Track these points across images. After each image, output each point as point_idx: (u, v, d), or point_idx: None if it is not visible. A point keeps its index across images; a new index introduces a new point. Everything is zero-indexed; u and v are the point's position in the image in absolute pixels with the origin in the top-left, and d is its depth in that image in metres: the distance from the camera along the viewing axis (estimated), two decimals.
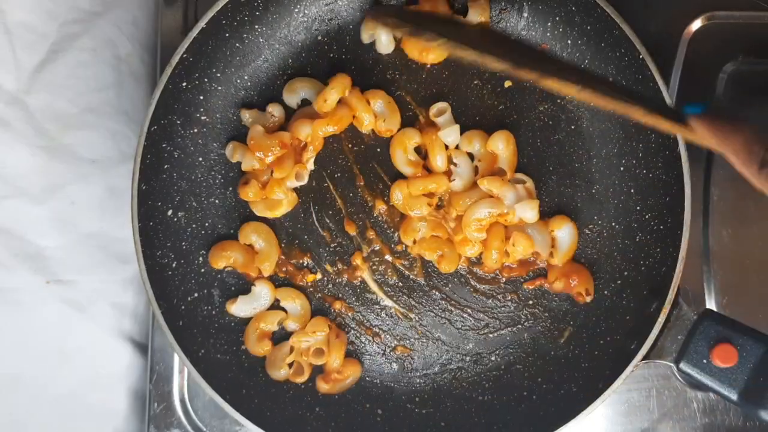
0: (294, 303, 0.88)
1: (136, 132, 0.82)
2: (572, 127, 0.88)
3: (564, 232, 0.87)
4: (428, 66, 0.90)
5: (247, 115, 0.88)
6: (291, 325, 0.87)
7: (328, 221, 0.89)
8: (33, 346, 0.87)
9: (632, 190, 0.86)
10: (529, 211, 0.84)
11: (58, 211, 0.87)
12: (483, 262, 0.87)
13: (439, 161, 0.86)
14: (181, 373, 0.91)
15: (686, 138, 0.72)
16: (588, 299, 0.86)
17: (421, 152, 0.88)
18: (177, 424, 0.90)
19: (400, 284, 0.89)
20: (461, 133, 0.87)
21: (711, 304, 0.89)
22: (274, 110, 0.88)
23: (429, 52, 0.88)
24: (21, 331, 0.86)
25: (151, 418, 0.90)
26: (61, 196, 0.88)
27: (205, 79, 0.87)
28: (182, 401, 0.91)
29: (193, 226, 0.88)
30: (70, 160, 0.88)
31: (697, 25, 0.93)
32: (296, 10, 0.89)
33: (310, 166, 0.88)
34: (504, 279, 0.88)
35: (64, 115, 0.88)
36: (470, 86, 0.89)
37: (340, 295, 0.89)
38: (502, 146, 0.86)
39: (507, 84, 0.89)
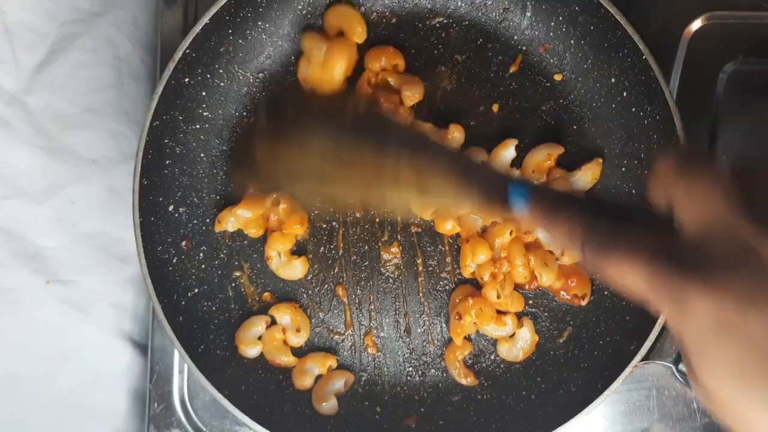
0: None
1: (136, 132, 0.82)
2: (574, 127, 0.88)
3: None
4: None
5: None
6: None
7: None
8: (33, 346, 0.87)
9: (634, 191, 0.85)
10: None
11: (58, 211, 0.87)
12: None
13: None
14: (181, 373, 0.91)
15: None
16: (583, 303, 0.86)
17: None
18: (177, 424, 0.90)
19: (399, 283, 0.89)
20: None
21: None
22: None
23: None
24: (21, 331, 0.86)
25: (151, 418, 0.90)
26: (61, 196, 0.87)
27: (208, 75, 0.87)
28: (182, 401, 0.91)
29: (194, 222, 0.88)
30: (70, 160, 0.88)
31: (697, 25, 0.93)
32: (300, 7, 0.88)
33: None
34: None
35: (64, 115, 0.87)
36: (472, 85, 0.90)
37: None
38: None
39: (512, 69, 0.89)
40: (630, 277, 0.44)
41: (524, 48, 0.89)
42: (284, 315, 0.87)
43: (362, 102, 0.81)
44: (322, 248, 0.89)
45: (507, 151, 0.86)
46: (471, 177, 0.61)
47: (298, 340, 0.87)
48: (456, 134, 0.87)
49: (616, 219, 0.52)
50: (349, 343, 0.89)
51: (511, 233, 0.85)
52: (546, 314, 0.88)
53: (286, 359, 0.86)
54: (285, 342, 0.87)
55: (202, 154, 0.89)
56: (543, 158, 0.86)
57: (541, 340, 0.87)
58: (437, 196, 0.64)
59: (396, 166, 0.62)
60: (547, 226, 0.56)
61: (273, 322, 0.87)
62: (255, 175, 0.77)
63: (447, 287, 0.89)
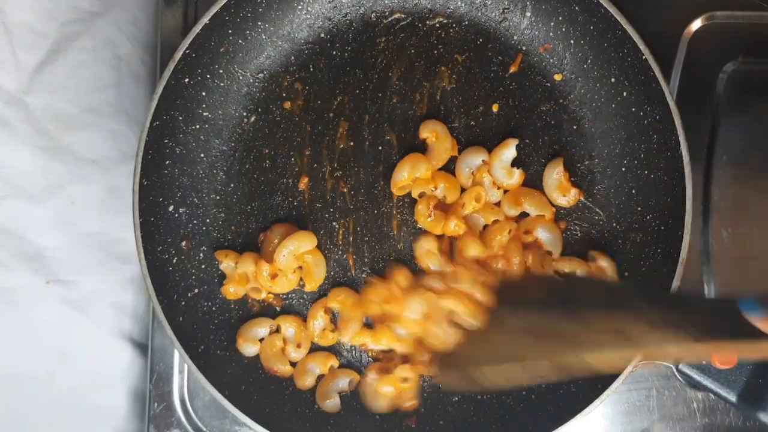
0: None
1: (136, 132, 0.82)
2: (574, 127, 0.88)
3: None
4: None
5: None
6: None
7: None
8: (33, 346, 0.87)
9: (633, 191, 0.86)
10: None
11: (58, 211, 0.87)
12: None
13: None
14: (181, 373, 0.91)
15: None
16: None
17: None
18: (177, 424, 0.90)
19: None
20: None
21: None
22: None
23: None
24: (21, 331, 0.86)
25: (151, 418, 0.90)
26: (61, 196, 0.87)
27: (208, 76, 0.87)
28: (182, 401, 0.91)
29: (194, 222, 0.88)
30: (70, 160, 0.88)
31: (697, 25, 0.93)
32: (299, 7, 0.89)
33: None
34: None
35: (64, 115, 0.87)
36: (472, 85, 0.90)
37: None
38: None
39: (512, 69, 0.89)
40: None
41: (524, 48, 0.89)
42: (290, 327, 0.87)
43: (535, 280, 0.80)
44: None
45: (507, 151, 0.86)
46: (686, 314, 0.57)
47: (296, 355, 0.87)
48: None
49: None
50: (349, 343, 0.89)
51: (509, 232, 0.85)
52: None
53: (283, 368, 0.86)
54: (283, 351, 0.87)
55: (201, 155, 0.89)
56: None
57: None
58: (650, 346, 0.57)
59: (595, 324, 0.59)
60: None
61: (278, 330, 0.88)
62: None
63: None
